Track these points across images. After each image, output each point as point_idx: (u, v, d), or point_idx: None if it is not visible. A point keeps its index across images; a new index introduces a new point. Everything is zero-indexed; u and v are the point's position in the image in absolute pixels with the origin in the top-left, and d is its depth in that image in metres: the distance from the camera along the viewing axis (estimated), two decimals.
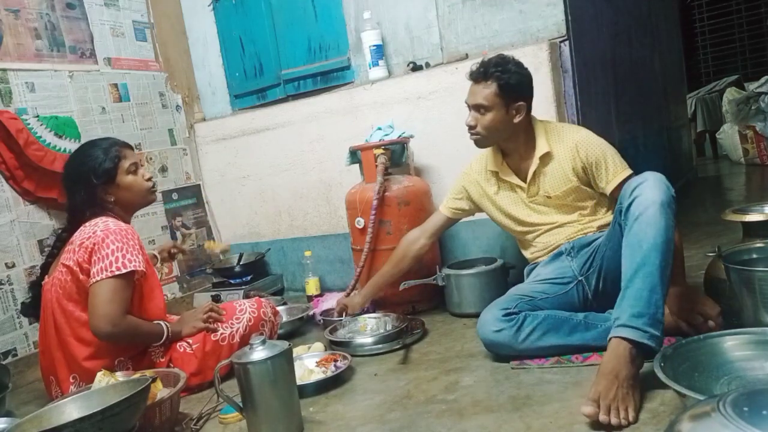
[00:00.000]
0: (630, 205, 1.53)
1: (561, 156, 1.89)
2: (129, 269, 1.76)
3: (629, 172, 1.83)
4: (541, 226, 1.98)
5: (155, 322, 1.89)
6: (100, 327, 1.74)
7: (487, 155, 2.05)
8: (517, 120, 1.88)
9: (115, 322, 1.74)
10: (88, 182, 1.87)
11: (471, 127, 1.92)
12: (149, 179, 1.98)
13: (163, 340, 1.88)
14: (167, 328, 1.89)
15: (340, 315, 2.26)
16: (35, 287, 1.98)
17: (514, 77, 1.85)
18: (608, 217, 1.89)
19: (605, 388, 1.31)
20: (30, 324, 2.41)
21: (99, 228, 1.80)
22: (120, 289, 1.76)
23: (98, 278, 1.74)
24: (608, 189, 1.84)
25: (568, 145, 1.88)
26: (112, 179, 1.90)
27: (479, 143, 1.96)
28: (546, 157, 1.90)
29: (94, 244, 1.77)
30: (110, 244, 1.76)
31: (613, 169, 1.83)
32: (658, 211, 1.46)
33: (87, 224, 1.85)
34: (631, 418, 1.27)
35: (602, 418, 1.27)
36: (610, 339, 1.40)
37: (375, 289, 2.28)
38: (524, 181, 1.96)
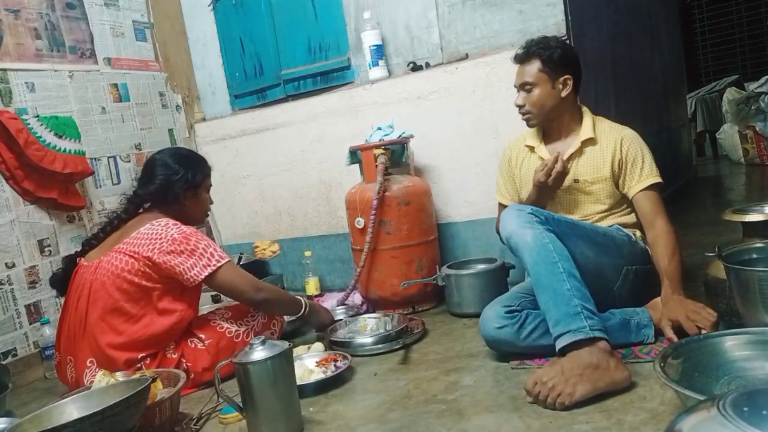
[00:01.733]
0: (509, 246, 1.67)
1: (604, 144, 1.91)
2: (225, 260, 1.87)
3: (660, 180, 1.86)
4: None
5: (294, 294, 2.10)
6: (251, 297, 1.90)
7: (527, 132, 2.06)
8: (564, 94, 1.90)
9: (257, 286, 1.91)
10: (182, 180, 1.97)
11: (520, 107, 1.94)
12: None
13: (300, 314, 2.04)
14: (306, 304, 2.03)
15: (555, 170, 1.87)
16: (69, 262, 2.00)
17: (556, 52, 1.88)
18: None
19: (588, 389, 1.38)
20: (30, 324, 2.41)
21: (171, 230, 1.85)
22: (234, 268, 1.90)
23: (206, 272, 1.83)
24: (635, 189, 1.85)
25: (614, 136, 1.91)
26: (196, 189, 2.03)
27: (530, 122, 1.97)
28: (587, 143, 1.92)
29: (179, 244, 1.82)
30: (198, 243, 1.85)
31: (648, 171, 1.86)
32: (520, 235, 1.60)
33: (153, 222, 1.87)
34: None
35: None
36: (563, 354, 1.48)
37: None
38: None
